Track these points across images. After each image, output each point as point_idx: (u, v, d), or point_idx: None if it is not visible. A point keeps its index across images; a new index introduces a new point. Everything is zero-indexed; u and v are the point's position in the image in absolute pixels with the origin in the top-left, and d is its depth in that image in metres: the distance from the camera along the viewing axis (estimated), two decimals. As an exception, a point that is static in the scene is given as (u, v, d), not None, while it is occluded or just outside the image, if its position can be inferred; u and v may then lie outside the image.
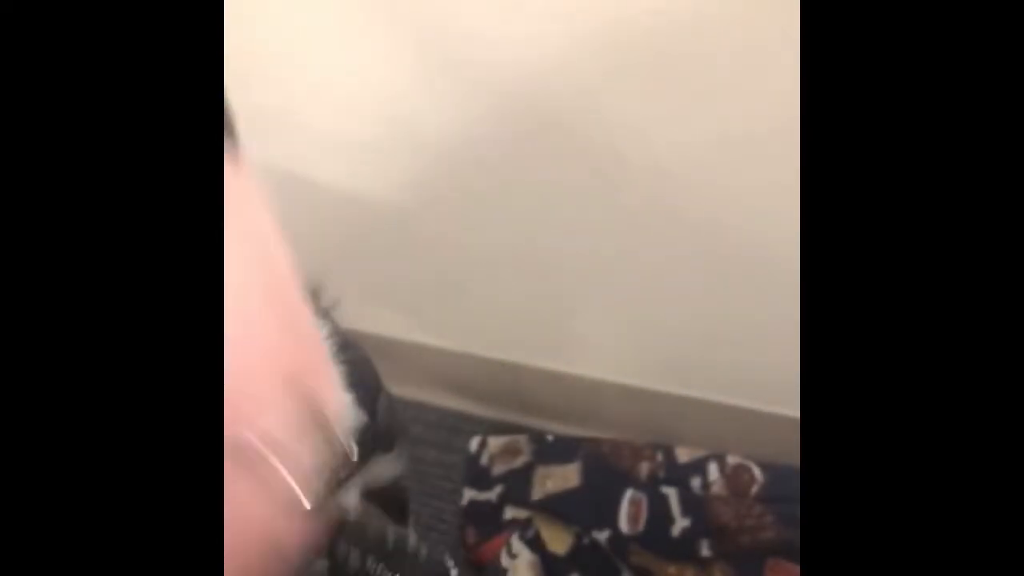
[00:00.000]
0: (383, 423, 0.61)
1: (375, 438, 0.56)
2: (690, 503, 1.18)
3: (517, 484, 1.24)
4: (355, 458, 0.44)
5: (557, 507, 1.20)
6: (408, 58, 1.00)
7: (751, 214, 1.02)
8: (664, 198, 1.04)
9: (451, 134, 1.06)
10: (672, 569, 1.12)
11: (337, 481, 0.42)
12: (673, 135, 0.98)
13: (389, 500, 0.80)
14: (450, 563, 0.59)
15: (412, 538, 0.53)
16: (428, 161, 1.10)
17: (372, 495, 0.67)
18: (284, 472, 0.33)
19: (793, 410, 1.19)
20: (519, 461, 1.27)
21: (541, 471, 1.25)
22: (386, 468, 0.65)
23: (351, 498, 0.56)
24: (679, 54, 0.91)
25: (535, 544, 1.19)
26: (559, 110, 1.00)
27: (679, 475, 1.21)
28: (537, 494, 1.22)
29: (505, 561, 1.18)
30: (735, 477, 1.20)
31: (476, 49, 0.96)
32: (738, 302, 1.12)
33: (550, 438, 1.29)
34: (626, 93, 0.95)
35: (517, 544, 1.19)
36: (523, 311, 1.25)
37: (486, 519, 1.24)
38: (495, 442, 1.32)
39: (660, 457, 1.24)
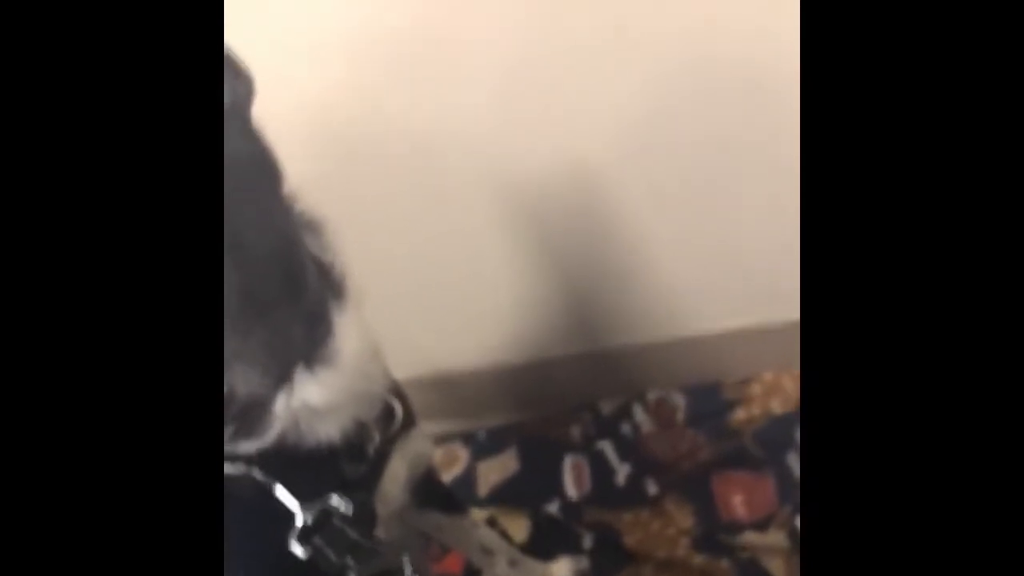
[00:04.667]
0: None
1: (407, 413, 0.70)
2: (626, 449, 1.20)
3: (464, 489, 1.24)
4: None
5: (505, 496, 1.21)
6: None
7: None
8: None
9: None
10: (628, 516, 1.14)
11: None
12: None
13: (434, 489, 0.86)
14: (405, 558, 0.64)
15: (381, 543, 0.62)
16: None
17: (419, 487, 0.75)
18: None
19: (696, 328, 1.21)
20: (459, 467, 1.28)
21: (482, 468, 1.26)
22: (422, 442, 0.74)
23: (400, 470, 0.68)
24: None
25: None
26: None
27: (608, 426, 1.23)
28: (483, 490, 1.23)
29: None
30: (659, 410, 1.22)
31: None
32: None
33: (481, 434, 1.30)
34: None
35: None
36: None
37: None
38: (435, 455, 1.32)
39: (587, 416, 1.25)
